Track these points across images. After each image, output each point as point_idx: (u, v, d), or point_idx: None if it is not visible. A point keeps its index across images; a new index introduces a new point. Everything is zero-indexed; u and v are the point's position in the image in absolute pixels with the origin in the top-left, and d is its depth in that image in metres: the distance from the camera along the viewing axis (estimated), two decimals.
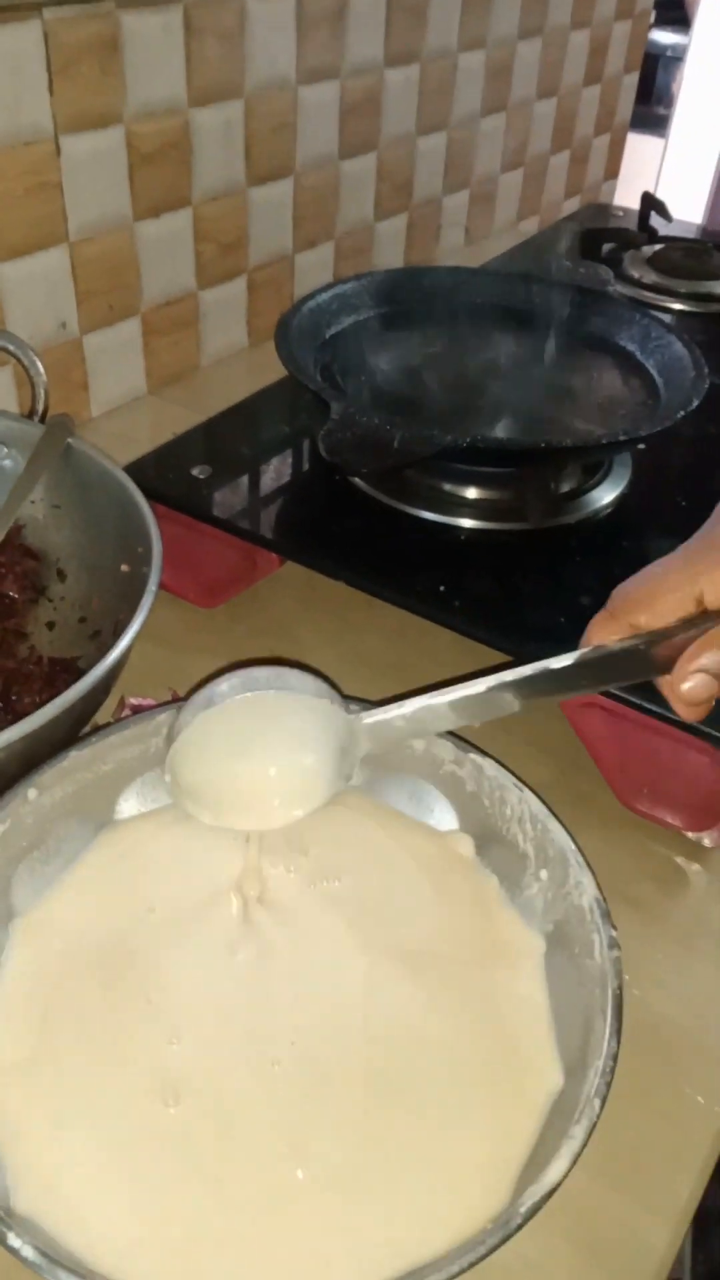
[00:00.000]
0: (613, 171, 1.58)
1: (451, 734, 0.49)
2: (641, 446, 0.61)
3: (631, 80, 1.50)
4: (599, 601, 0.43)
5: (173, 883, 0.48)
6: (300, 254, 1.03)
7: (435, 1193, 0.38)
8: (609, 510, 0.66)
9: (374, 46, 1.00)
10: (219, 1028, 0.42)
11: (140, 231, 0.85)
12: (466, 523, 0.64)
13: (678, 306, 0.96)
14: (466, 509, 0.65)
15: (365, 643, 0.67)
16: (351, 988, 0.44)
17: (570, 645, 0.41)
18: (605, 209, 1.24)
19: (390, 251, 1.16)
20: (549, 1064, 0.42)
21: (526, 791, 0.48)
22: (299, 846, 0.49)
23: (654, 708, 0.52)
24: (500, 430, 0.64)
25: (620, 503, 0.67)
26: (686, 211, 2.40)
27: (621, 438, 0.59)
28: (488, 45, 1.16)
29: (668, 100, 2.70)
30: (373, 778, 0.52)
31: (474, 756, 0.49)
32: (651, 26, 2.74)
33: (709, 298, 0.97)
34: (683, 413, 0.60)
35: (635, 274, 1.00)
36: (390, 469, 0.55)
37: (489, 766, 0.49)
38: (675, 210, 1.18)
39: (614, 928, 0.42)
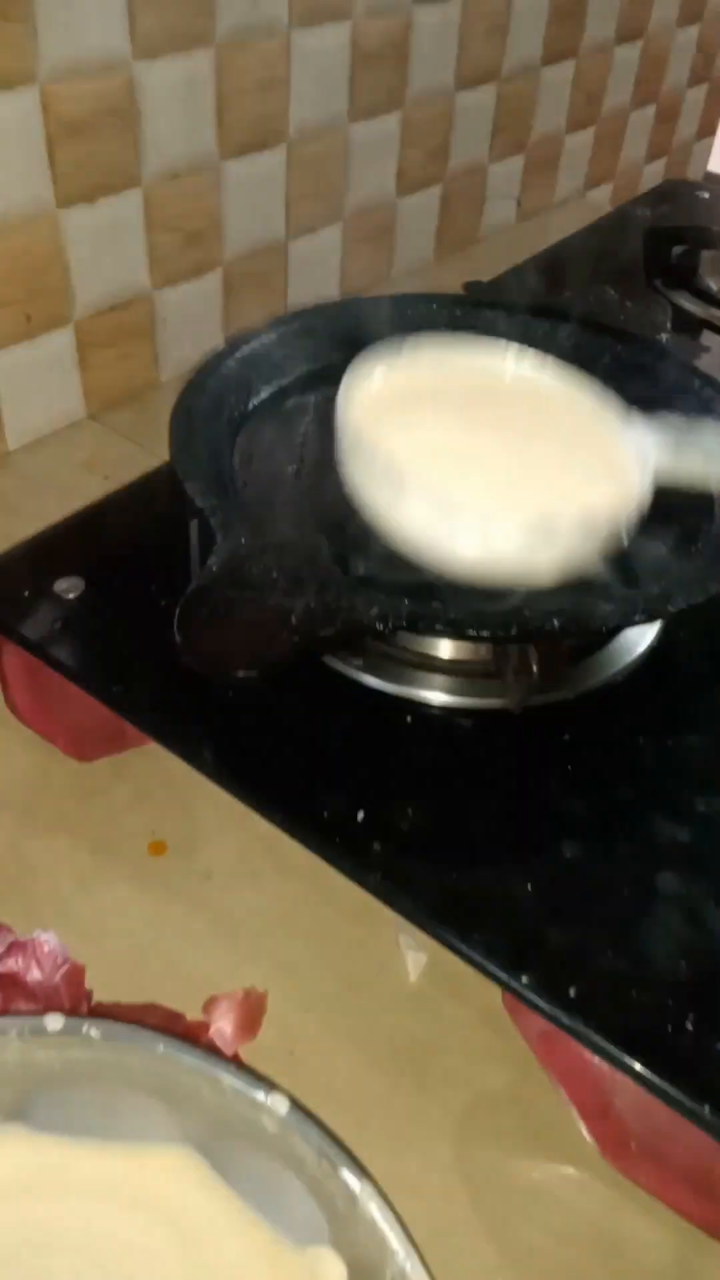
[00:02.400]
0: (709, 129, 1.33)
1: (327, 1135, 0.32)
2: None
3: None
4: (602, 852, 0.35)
5: None
6: (296, 241, 0.83)
7: None
8: (627, 676, 0.47)
9: None
10: None
11: (67, 222, 0.66)
12: (418, 693, 0.46)
13: None
14: (418, 673, 0.46)
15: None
16: None
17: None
18: (685, 189, 1.01)
19: (418, 233, 0.95)
20: None
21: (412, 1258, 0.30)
22: None
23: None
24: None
25: (645, 664, 0.48)
26: None
27: (638, 616, 0.39)
28: None
29: None
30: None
31: (346, 1173, 0.32)
32: None
33: None
34: None
35: (715, 286, 0.78)
36: (287, 666, 0.36)
37: (363, 1194, 0.31)
38: None
39: None
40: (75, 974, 0.45)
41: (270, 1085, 0.34)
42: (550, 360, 0.47)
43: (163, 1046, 0.35)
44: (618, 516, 0.40)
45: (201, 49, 0.68)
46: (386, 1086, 0.43)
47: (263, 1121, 0.34)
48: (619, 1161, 0.39)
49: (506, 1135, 0.42)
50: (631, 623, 0.39)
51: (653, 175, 1.27)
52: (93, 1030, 0.35)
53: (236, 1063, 0.35)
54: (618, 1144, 0.39)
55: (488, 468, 0.44)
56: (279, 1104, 0.34)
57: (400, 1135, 0.41)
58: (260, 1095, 0.34)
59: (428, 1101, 0.42)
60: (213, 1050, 0.38)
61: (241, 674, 0.36)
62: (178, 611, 0.37)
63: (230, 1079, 0.34)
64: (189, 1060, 0.35)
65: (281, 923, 0.48)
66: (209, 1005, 0.44)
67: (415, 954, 0.46)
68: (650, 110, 1.19)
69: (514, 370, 0.47)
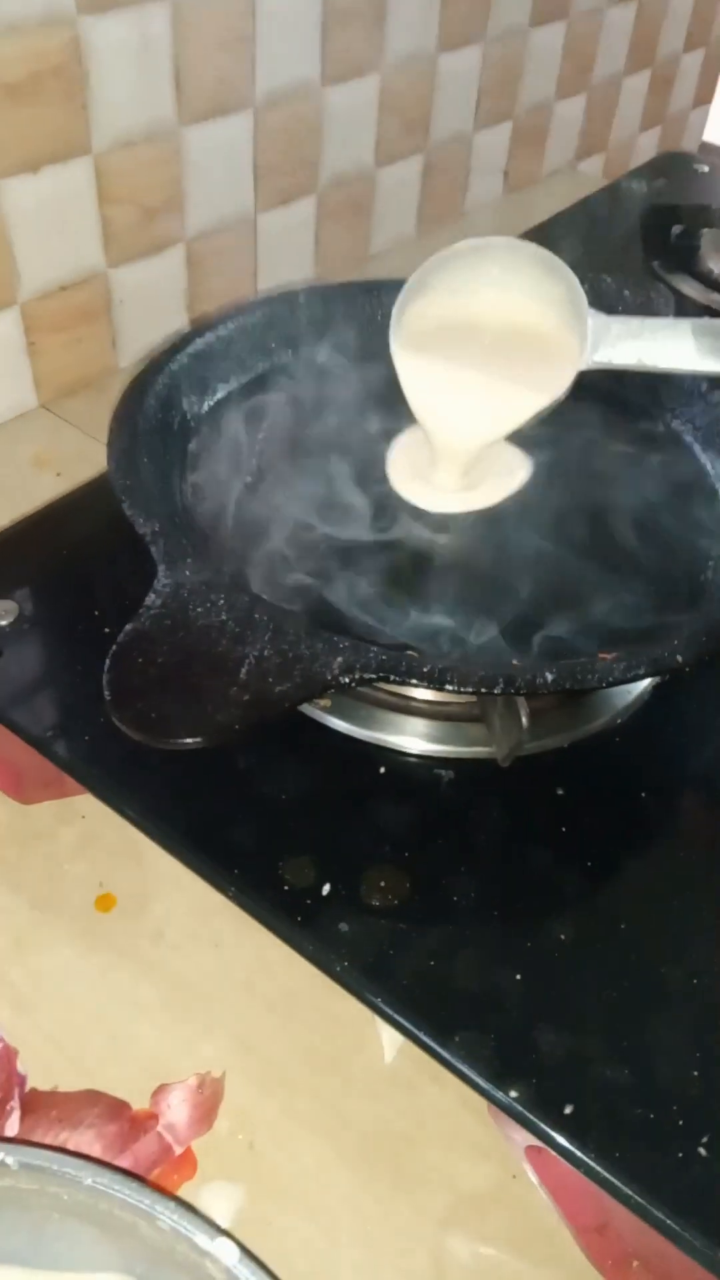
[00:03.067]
0: (705, 97, 1.27)
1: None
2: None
3: None
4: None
5: None
6: (266, 215, 0.77)
7: None
8: (629, 719, 0.42)
9: None
10: None
11: (8, 194, 0.60)
12: (393, 740, 0.40)
13: None
14: (392, 716, 0.41)
15: None
16: None
17: None
18: (682, 161, 0.95)
19: (398, 206, 0.89)
20: None
21: None
22: None
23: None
24: (443, 613, 0.39)
25: (649, 704, 0.43)
26: None
27: (641, 669, 0.34)
28: None
29: None
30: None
31: None
32: None
33: None
34: None
35: (716, 269, 0.72)
36: (239, 734, 0.31)
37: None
38: None
39: None
40: (6, 1057, 0.40)
41: (215, 1228, 0.29)
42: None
43: (91, 1179, 0.30)
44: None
45: (156, 3, 0.61)
46: (357, 1186, 0.38)
47: (207, 1267, 0.29)
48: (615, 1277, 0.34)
49: (492, 1242, 0.37)
50: (633, 678, 0.34)
51: (647, 146, 1.20)
52: (8, 1159, 0.30)
53: (176, 1200, 0.30)
54: (618, 1262, 0.34)
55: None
56: (226, 1251, 0.29)
57: (372, 1244, 0.37)
58: (204, 1239, 0.29)
59: (404, 1205, 0.37)
60: (151, 1183, 0.32)
61: (185, 742, 0.30)
62: (108, 661, 0.32)
63: (170, 1218, 0.29)
64: (121, 1196, 0.30)
65: (242, 991, 0.43)
66: (158, 1094, 0.39)
67: (392, 1030, 0.41)
68: (645, 77, 1.13)
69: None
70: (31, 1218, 0.32)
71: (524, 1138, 0.33)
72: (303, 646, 0.33)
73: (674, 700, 0.43)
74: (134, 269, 0.70)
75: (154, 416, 0.42)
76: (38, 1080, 0.40)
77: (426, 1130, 0.39)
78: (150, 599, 0.33)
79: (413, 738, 0.40)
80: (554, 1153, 0.31)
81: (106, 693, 0.31)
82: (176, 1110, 0.39)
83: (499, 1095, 0.31)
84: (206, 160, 0.70)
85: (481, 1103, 0.38)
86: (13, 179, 0.60)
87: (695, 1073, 0.32)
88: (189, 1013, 0.42)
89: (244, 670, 0.32)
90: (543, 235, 0.81)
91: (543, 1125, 0.31)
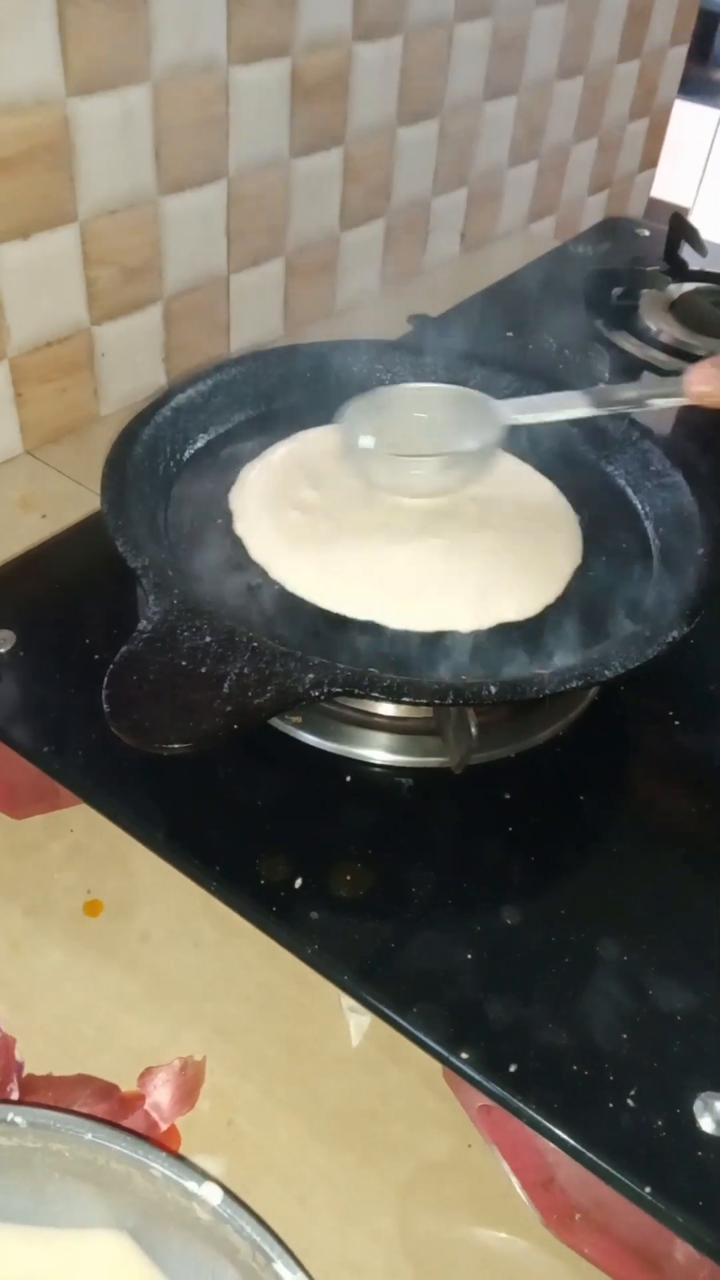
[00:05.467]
0: (651, 161, 1.35)
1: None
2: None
3: (678, 54, 1.27)
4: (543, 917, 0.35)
5: None
6: (239, 274, 0.82)
7: None
8: (569, 731, 0.47)
9: (339, 14, 0.78)
10: None
11: (1, 258, 0.65)
12: (358, 752, 0.45)
13: None
14: (358, 731, 0.45)
15: None
16: None
17: None
18: (625, 226, 1.02)
19: (362, 266, 0.95)
20: None
21: None
22: None
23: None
24: (392, 644, 0.43)
25: (587, 719, 0.47)
26: None
27: (574, 683, 0.39)
28: (494, 12, 0.93)
29: None
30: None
31: (280, 1269, 0.31)
32: None
33: None
34: (674, 636, 0.40)
35: (653, 326, 0.78)
36: (221, 740, 0.35)
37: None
38: None
39: None
40: (5, 1046, 0.43)
41: (202, 1175, 0.33)
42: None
43: (90, 1134, 0.34)
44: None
45: (137, 85, 0.67)
46: (328, 1158, 0.42)
47: (195, 1210, 0.33)
48: (564, 1233, 0.38)
49: (451, 1206, 0.41)
50: (568, 690, 0.39)
51: (596, 206, 1.28)
52: (17, 1118, 0.34)
53: (168, 1151, 0.33)
54: (562, 1215, 0.38)
55: None
56: (212, 1194, 0.33)
57: (343, 1211, 0.40)
58: (192, 1185, 0.33)
59: (371, 1173, 0.41)
60: (144, 1135, 0.36)
61: (174, 747, 0.35)
62: (106, 679, 0.36)
63: (161, 1167, 0.33)
64: (118, 1148, 0.33)
65: (221, 985, 0.47)
66: (144, 1077, 0.43)
67: (358, 1017, 0.45)
68: (592, 143, 1.20)
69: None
70: (34, 1178, 0.36)
71: (475, 1098, 0.38)
72: (278, 665, 0.37)
73: (609, 715, 0.48)
74: (116, 325, 0.75)
75: (141, 463, 0.47)
76: (34, 1067, 0.43)
77: (390, 1106, 0.43)
78: (142, 625, 0.38)
79: (376, 750, 0.45)
80: (501, 1108, 0.35)
81: (105, 705, 0.35)
82: (161, 1090, 0.42)
83: (452, 1058, 0.35)
84: (183, 225, 0.75)
85: (441, 1081, 0.42)
86: (5, 244, 0.64)
87: (624, 1035, 0.36)
88: (172, 1006, 0.46)
89: (226, 685, 0.36)
90: (498, 294, 0.87)
91: (490, 1084, 0.35)
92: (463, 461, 0.48)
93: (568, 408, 0.50)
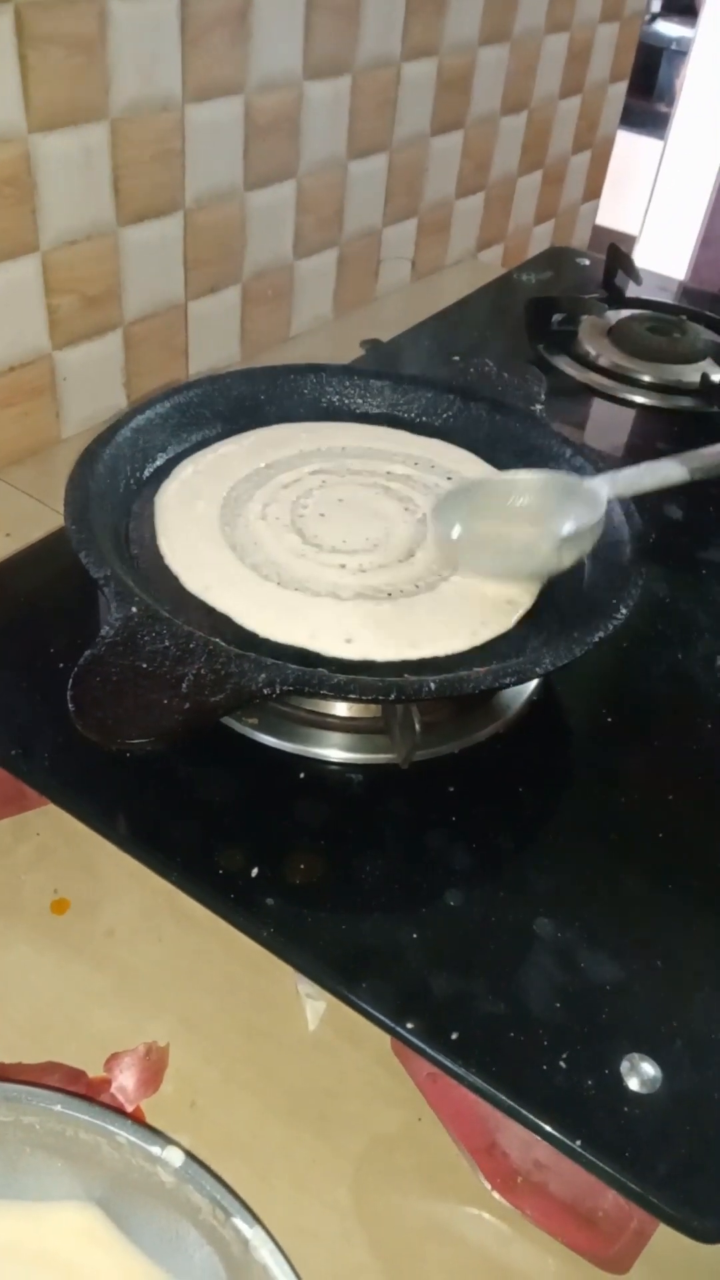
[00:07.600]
0: (594, 192, 1.40)
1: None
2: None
3: (618, 90, 1.32)
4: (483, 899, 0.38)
5: None
6: (196, 301, 0.85)
7: None
8: (509, 729, 0.50)
9: (289, 55, 0.82)
10: None
11: None
12: (311, 750, 0.48)
13: (639, 399, 0.79)
14: (311, 730, 0.48)
15: None
16: None
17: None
18: (567, 256, 1.06)
19: (316, 293, 0.98)
20: None
21: None
22: None
23: None
24: (341, 644, 0.46)
25: (525, 718, 0.50)
26: (679, 232, 2.19)
27: (508, 679, 0.42)
28: (440, 52, 0.98)
29: (670, 98, 2.49)
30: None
31: (238, 1221, 0.33)
32: (657, 17, 2.54)
33: (676, 389, 0.79)
34: (600, 635, 0.44)
35: (591, 351, 0.82)
36: (181, 735, 0.38)
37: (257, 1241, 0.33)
38: (666, 231, 1.00)
39: None
40: None
41: (165, 1139, 0.35)
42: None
43: (60, 1105, 0.36)
44: None
45: (96, 122, 0.70)
46: (287, 1135, 0.44)
47: (159, 1175, 0.35)
48: (508, 1195, 0.41)
49: (402, 1176, 0.43)
50: (502, 686, 0.42)
51: (542, 236, 1.32)
52: None
53: (133, 1119, 0.36)
54: (505, 1179, 0.41)
55: None
56: (174, 1156, 0.35)
57: (301, 1183, 0.43)
58: (156, 1149, 0.35)
59: (327, 1147, 0.44)
60: (111, 1107, 0.38)
61: (136, 743, 0.37)
62: (71, 680, 0.39)
63: (126, 1135, 0.35)
64: (86, 1117, 0.36)
65: (184, 977, 0.49)
66: (110, 1062, 0.45)
67: (314, 1002, 0.47)
68: (537, 176, 1.25)
69: None
70: (7, 1153, 0.38)
71: (422, 1067, 0.40)
72: (233, 665, 0.40)
73: (547, 715, 0.51)
74: (77, 350, 0.77)
75: (103, 481, 0.49)
76: (3, 1056, 0.45)
77: (345, 1085, 0.46)
78: (105, 630, 0.40)
79: (329, 748, 0.48)
80: (445, 1074, 0.38)
81: (70, 705, 0.38)
82: (127, 1075, 0.45)
83: (398, 1028, 0.38)
84: (142, 255, 0.78)
85: (393, 1059, 0.45)
86: None
87: (557, 1004, 0.39)
88: (137, 997, 0.48)
89: (184, 685, 0.39)
90: (446, 320, 0.91)
91: (434, 1051, 0.38)
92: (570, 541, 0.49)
93: (663, 475, 0.51)
